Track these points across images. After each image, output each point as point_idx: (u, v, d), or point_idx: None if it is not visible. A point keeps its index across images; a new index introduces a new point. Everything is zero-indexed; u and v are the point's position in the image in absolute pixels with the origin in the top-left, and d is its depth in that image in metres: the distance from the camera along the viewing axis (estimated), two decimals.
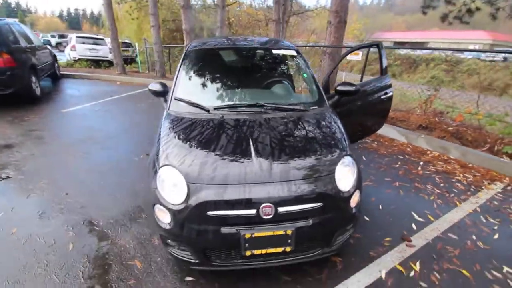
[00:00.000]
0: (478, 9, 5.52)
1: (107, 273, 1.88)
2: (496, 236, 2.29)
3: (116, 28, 10.24)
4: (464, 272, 1.93)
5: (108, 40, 11.91)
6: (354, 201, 1.73)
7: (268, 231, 1.56)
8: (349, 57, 5.07)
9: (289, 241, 1.60)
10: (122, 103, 6.60)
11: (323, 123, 2.06)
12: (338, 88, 2.42)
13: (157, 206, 1.67)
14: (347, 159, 1.80)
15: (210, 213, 1.55)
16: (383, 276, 1.89)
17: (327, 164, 1.73)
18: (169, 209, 1.61)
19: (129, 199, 2.70)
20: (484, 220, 2.49)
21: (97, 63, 12.83)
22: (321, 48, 6.63)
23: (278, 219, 1.57)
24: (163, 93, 2.44)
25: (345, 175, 1.73)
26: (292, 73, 2.68)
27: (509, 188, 3.04)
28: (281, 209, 1.56)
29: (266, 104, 2.14)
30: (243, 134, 1.87)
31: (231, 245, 1.60)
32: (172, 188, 1.63)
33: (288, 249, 1.62)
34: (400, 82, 8.87)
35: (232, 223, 1.56)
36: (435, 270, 1.94)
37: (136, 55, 14.15)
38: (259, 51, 2.71)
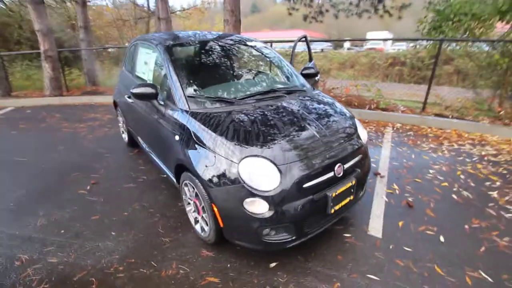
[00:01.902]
0: (327, 11, 7.51)
1: None
2: (413, 156, 3.53)
3: None
4: (417, 180, 2.95)
5: None
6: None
7: (342, 186, 1.89)
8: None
9: (352, 190, 1.99)
10: None
11: (324, 99, 2.51)
12: (304, 72, 2.93)
13: (249, 200, 1.65)
14: (356, 120, 2.35)
15: (306, 185, 1.71)
16: (386, 199, 2.61)
17: (352, 126, 2.21)
18: (265, 197, 1.64)
19: None
20: (401, 150, 3.74)
21: None
22: None
23: (345, 174, 1.92)
24: (155, 95, 2.18)
25: (361, 132, 2.27)
26: (272, 61, 2.93)
27: (395, 128, 4.59)
28: (346, 166, 1.93)
29: (278, 90, 2.36)
30: (286, 114, 2.05)
31: (321, 208, 1.82)
32: (263, 176, 1.65)
33: (351, 197, 2.01)
34: None
35: (321, 188, 1.78)
36: (405, 183, 2.86)
37: None
38: (237, 44, 2.80)
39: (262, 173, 1.67)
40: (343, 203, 1.95)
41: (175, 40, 2.50)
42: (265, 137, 1.82)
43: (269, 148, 1.75)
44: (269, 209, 1.65)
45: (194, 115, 1.98)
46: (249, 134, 1.83)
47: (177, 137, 2.04)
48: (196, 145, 1.87)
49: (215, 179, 1.74)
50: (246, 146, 1.74)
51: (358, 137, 2.18)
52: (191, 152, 1.89)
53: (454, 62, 11.90)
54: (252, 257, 1.98)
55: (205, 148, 1.82)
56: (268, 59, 2.87)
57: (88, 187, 2.92)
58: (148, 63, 2.68)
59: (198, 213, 2.08)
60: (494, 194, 2.69)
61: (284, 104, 2.19)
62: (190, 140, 1.92)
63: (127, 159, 3.59)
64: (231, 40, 2.78)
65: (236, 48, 2.76)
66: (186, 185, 2.11)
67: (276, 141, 1.80)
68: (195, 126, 1.92)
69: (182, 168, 2.08)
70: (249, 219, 1.68)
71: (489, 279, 1.79)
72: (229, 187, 1.69)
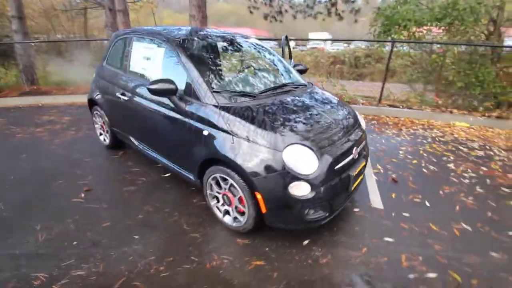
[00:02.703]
0: (286, 11, 7.91)
1: None
2: (383, 141, 4.10)
3: None
4: (393, 160, 3.48)
5: None
6: None
7: (358, 166, 2.19)
8: None
9: (363, 170, 2.31)
10: None
11: (324, 93, 2.78)
12: (296, 68, 3.18)
13: (293, 184, 1.81)
14: (355, 110, 2.69)
15: (337, 167, 1.95)
16: (376, 177, 3.04)
17: (354, 116, 2.53)
18: (307, 180, 1.82)
19: None
20: (371, 136, 4.28)
21: None
22: None
23: (358, 156, 2.22)
24: (175, 91, 2.16)
25: (361, 120, 2.61)
26: (274, 58, 3.06)
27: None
28: (359, 149, 2.23)
29: (291, 84, 2.55)
30: (304, 106, 2.25)
31: (345, 186, 2.07)
32: (304, 161, 1.83)
33: (362, 176, 2.33)
34: None
35: (345, 169, 2.04)
36: (385, 163, 3.35)
37: None
38: (242, 41, 2.86)
39: (304, 158, 1.84)
40: (358, 181, 2.26)
41: (186, 35, 2.47)
42: (299, 127, 2.00)
43: (304, 136, 1.93)
44: (311, 191, 1.84)
45: (226, 109, 2.03)
46: (285, 124, 1.98)
47: (206, 132, 2.07)
48: (234, 138, 1.94)
49: (258, 168, 1.84)
50: (286, 135, 1.89)
51: (360, 125, 2.51)
52: (227, 146, 1.95)
53: (384, 60, 13.77)
54: (285, 239, 2.14)
55: (244, 140, 1.91)
56: (270, 56, 3.01)
57: (83, 195, 2.67)
58: (151, 58, 2.57)
59: (230, 205, 2.15)
60: (452, 166, 3.36)
61: (298, 98, 2.39)
62: (226, 133, 1.98)
63: (114, 162, 3.34)
64: (233, 36, 2.85)
65: (242, 44, 2.84)
66: (214, 179, 2.15)
67: (308, 130, 2.00)
68: (230, 120, 1.98)
69: (211, 163, 2.12)
70: (293, 202, 1.84)
71: (469, 228, 2.29)
72: (274, 174, 1.82)
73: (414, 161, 3.46)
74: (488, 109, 4.89)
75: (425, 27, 5.27)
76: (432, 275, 1.85)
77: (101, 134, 3.67)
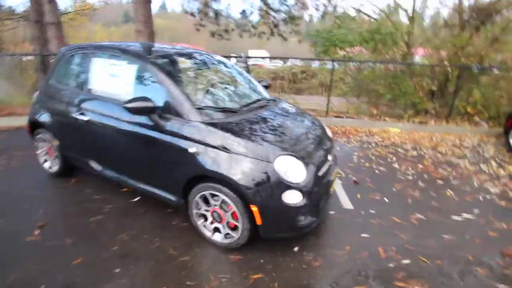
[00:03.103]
0: (233, 30, 8.17)
1: None
2: (338, 148, 4.52)
3: None
4: (350, 164, 3.88)
5: None
6: None
7: (333, 172, 2.41)
8: None
9: (336, 175, 2.55)
10: None
11: (293, 107, 2.97)
12: (261, 84, 3.37)
13: (286, 193, 1.90)
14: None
15: (320, 173, 2.13)
16: (340, 181, 3.35)
17: (323, 126, 2.79)
18: (298, 188, 1.94)
19: None
20: None
21: None
22: None
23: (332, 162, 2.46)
24: (154, 109, 2.08)
25: (328, 131, 2.88)
26: (241, 75, 3.13)
27: None
28: (331, 155, 2.46)
29: (262, 99, 2.67)
30: (283, 120, 2.40)
31: (327, 190, 2.26)
32: (294, 170, 1.95)
33: (335, 180, 2.57)
34: None
35: (325, 174, 2.23)
36: (344, 168, 3.72)
37: None
38: (210, 58, 2.88)
39: (293, 168, 1.96)
40: (333, 185, 2.48)
41: (158, 52, 2.40)
42: (284, 138, 2.12)
43: (291, 146, 2.06)
44: (302, 198, 1.96)
45: (213, 125, 2.03)
46: (270, 137, 2.08)
47: (192, 150, 2.02)
48: (223, 153, 1.95)
49: (252, 180, 1.89)
50: (275, 147, 1.99)
51: (328, 134, 2.78)
52: (218, 161, 1.95)
53: (318, 76, 15.31)
54: (276, 249, 2.19)
55: (235, 154, 1.93)
56: (238, 73, 3.10)
57: (37, 231, 2.28)
58: (118, 75, 2.41)
59: (220, 221, 2.12)
60: (396, 165, 3.91)
61: (274, 112, 2.53)
62: (215, 149, 1.97)
63: (67, 191, 2.94)
64: (201, 53, 2.87)
65: (212, 61, 2.87)
66: (202, 197, 2.10)
67: (292, 141, 2.14)
68: (219, 135, 1.98)
69: (197, 181, 2.08)
70: (287, 210, 1.93)
71: (422, 217, 2.71)
72: (268, 185, 1.89)
73: (367, 164, 3.92)
74: (411, 116, 5.88)
75: (356, 48, 6.14)
76: (406, 261, 2.13)
77: (45, 161, 3.19)
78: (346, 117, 6.08)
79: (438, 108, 5.87)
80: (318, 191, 2.10)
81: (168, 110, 2.14)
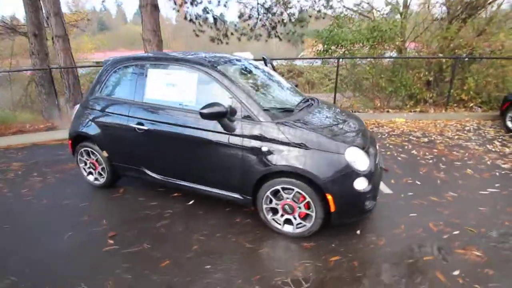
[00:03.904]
0: (232, 34, 8.31)
1: None
2: None
3: None
4: None
5: None
6: None
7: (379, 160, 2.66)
8: None
9: None
10: None
11: (330, 105, 3.19)
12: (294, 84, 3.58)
13: (356, 180, 2.12)
14: None
15: (376, 162, 2.36)
16: None
17: (362, 120, 3.02)
18: (365, 175, 2.16)
19: None
20: None
21: None
22: None
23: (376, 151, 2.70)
24: (225, 113, 2.23)
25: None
26: (279, 78, 3.30)
27: None
28: (376, 146, 2.70)
29: (306, 98, 2.88)
30: (333, 117, 2.63)
31: (380, 176, 2.50)
32: (360, 159, 2.17)
33: None
34: None
35: (377, 162, 2.46)
36: None
37: None
38: (250, 63, 3.04)
39: (360, 158, 2.17)
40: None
41: (216, 60, 2.55)
42: (343, 132, 2.34)
43: (353, 139, 2.28)
44: (368, 184, 2.18)
45: (283, 124, 2.21)
46: (336, 131, 2.30)
47: (265, 148, 2.19)
48: (297, 149, 2.13)
49: (327, 172, 2.09)
50: (342, 140, 2.20)
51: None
52: (293, 156, 2.13)
53: (304, 75, 15.68)
54: (340, 234, 2.37)
55: (308, 149, 2.12)
56: (278, 76, 3.29)
57: (112, 241, 2.35)
58: (178, 84, 2.53)
59: (292, 213, 2.29)
60: (415, 152, 4.24)
61: (323, 110, 2.74)
62: (288, 146, 2.15)
63: (121, 201, 3.00)
64: (247, 60, 3.05)
65: (256, 67, 3.05)
66: (273, 192, 2.27)
67: (351, 134, 2.36)
68: (291, 133, 2.16)
69: (268, 177, 2.25)
70: (357, 196, 2.15)
71: (455, 194, 3.01)
72: (341, 174, 2.09)
73: (388, 153, 4.22)
74: (412, 106, 6.29)
75: (356, 45, 6.49)
76: (456, 232, 2.40)
77: (90, 173, 3.23)
78: (353, 111, 6.39)
79: (435, 97, 6.33)
80: (376, 177, 2.33)
81: (235, 113, 2.30)
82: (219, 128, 2.33)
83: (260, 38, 8.42)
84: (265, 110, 2.29)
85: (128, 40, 47.99)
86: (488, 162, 3.79)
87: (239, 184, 2.41)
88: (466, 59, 6.00)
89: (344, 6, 6.99)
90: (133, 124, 2.68)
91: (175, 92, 2.57)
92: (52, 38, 5.52)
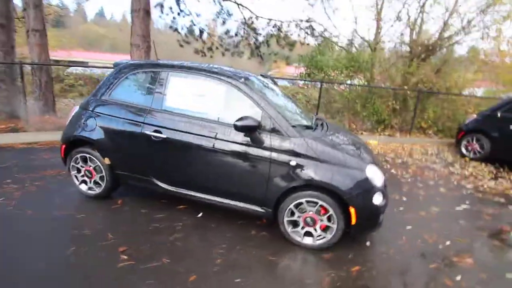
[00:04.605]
0: (217, 48, 8.36)
1: None
2: None
3: None
4: None
5: None
6: None
7: None
8: None
9: None
10: None
11: (335, 124, 3.44)
12: None
13: (376, 195, 2.31)
14: None
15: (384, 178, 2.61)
16: None
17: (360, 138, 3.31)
18: (381, 190, 2.37)
19: None
20: None
21: None
22: None
23: None
24: (257, 127, 2.30)
25: None
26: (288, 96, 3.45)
27: None
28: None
29: (317, 116, 3.07)
30: (343, 134, 2.85)
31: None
32: (377, 176, 2.38)
33: None
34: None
35: None
36: None
37: None
38: (268, 80, 3.15)
39: (376, 174, 2.39)
40: None
41: (243, 74, 2.61)
42: (358, 150, 2.56)
43: (369, 157, 2.50)
44: (383, 199, 2.39)
45: (313, 140, 2.34)
46: (354, 150, 2.49)
47: (293, 163, 2.28)
48: (324, 164, 2.27)
49: (351, 186, 2.24)
50: (362, 158, 2.40)
51: None
52: (320, 171, 2.25)
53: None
54: (354, 246, 2.54)
55: (334, 165, 2.27)
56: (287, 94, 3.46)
57: (125, 256, 2.17)
58: (204, 95, 2.52)
59: (313, 225, 2.38)
60: (393, 171, 4.70)
61: (332, 128, 2.96)
62: (315, 161, 2.27)
63: (123, 213, 2.77)
64: (265, 75, 3.17)
65: (272, 84, 3.17)
66: (296, 205, 2.35)
67: (366, 152, 2.58)
68: (319, 149, 2.29)
69: (291, 190, 2.33)
70: (376, 209, 2.34)
71: (438, 209, 3.41)
72: (363, 189, 2.27)
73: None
74: (382, 130, 6.99)
75: (336, 72, 7.11)
76: (448, 242, 2.72)
77: (83, 182, 2.95)
78: None
79: (400, 123, 7.13)
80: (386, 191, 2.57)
81: (262, 127, 2.37)
82: (247, 140, 2.37)
83: (242, 55, 8.66)
84: (292, 126, 2.41)
85: (86, 40, 44.92)
86: (455, 183, 4.38)
87: (262, 197, 2.45)
88: (426, 92, 6.96)
89: (323, 36, 7.63)
90: (148, 131, 2.57)
91: (200, 103, 2.56)
92: (27, 31, 5.00)
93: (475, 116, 5.68)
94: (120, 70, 2.80)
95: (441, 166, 5.14)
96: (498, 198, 3.88)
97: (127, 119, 2.67)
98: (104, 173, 2.83)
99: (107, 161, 2.80)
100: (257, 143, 2.35)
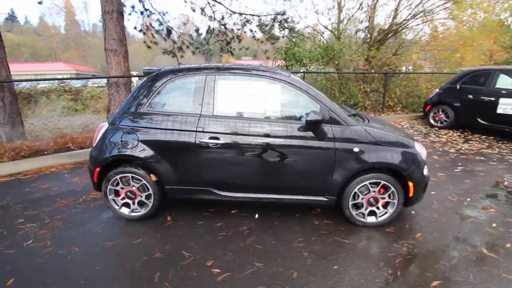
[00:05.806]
0: (188, 47, 7.94)
1: None
2: None
3: None
4: None
5: None
6: None
7: None
8: None
9: None
10: None
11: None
12: None
13: (425, 168, 2.63)
14: None
15: None
16: None
17: None
18: (425, 163, 2.69)
19: None
20: None
21: None
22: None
23: None
24: (322, 120, 2.41)
25: None
26: None
27: None
28: None
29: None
30: (376, 119, 3.09)
31: None
32: (423, 151, 2.70)
33: None
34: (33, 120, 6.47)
35: None
36: None
37: None
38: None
39: (422, 149, 2.69)
40: None
41: (289, 72, 2.64)
42: (399, 131, 2.84)
43: (408, 135, 2.79)
44: (427, 169, 2.71)
45: (368, 126, 2.53)
46: (397, 130, 2.76)
47: (356, 149, 2.44)
48: (383, 147, 2.47)
49: (407, 163, 2.50)
50: (408, 136, 2.68)
51: None
52: (381, 154, 2.46)
53: None
54: (401, 216, 2.83)
55: (391, 146, 2.49)
56: None
57: (218, 270, 2.08)
58: (258, 96, 2.49)
59: (375, 205, 2.59)
60: None
61: (367, 116, 3.20)
62: (375, 145, 2.46)
63: (181, 229, 2.61)
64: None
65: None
66: (360, 188, 2.53)
67: (401, 132, 2.88)
68: (376, 134, 2.49)
69: (357, 175, 2.50)
70: (426, 180, 2.65)
71: (443, 174, 3.94)
72: (416, 165, 2.54)
73: None
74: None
75: (313, 62, 7.47)
76: (468, 199, 3.21)
77: (124, 205, 2.68)
78: None
79: (371, 104, 7.85)
80: None
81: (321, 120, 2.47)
82: (310, 134, 2.45)
83: (212, 52, 8.47)
84: (349, 115, 2.57)
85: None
86: (440, 149, 5.07)
87: (326, 186, 2.56)
88: (390, 74, 7.79)
89: (293, 29, 7.91)
90: (205, 139, 2.46)
91: (255, 103, 2.53)
92: None
93: (437, 90, 6.58)
94: (156, 78, 2.59)
95: (421, 137, 5.88)
96: (478, 157, 4.64)
97: (175, 129, 2.51)
98: (151, 191, 2.62)
99: (153, 177, 2.60)
100: (321, 135, 2.45)
